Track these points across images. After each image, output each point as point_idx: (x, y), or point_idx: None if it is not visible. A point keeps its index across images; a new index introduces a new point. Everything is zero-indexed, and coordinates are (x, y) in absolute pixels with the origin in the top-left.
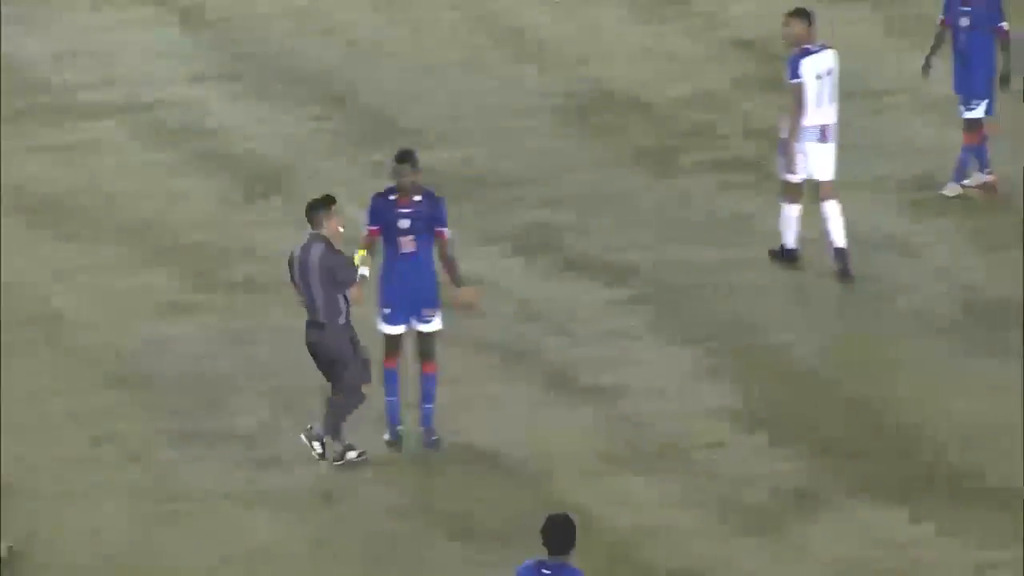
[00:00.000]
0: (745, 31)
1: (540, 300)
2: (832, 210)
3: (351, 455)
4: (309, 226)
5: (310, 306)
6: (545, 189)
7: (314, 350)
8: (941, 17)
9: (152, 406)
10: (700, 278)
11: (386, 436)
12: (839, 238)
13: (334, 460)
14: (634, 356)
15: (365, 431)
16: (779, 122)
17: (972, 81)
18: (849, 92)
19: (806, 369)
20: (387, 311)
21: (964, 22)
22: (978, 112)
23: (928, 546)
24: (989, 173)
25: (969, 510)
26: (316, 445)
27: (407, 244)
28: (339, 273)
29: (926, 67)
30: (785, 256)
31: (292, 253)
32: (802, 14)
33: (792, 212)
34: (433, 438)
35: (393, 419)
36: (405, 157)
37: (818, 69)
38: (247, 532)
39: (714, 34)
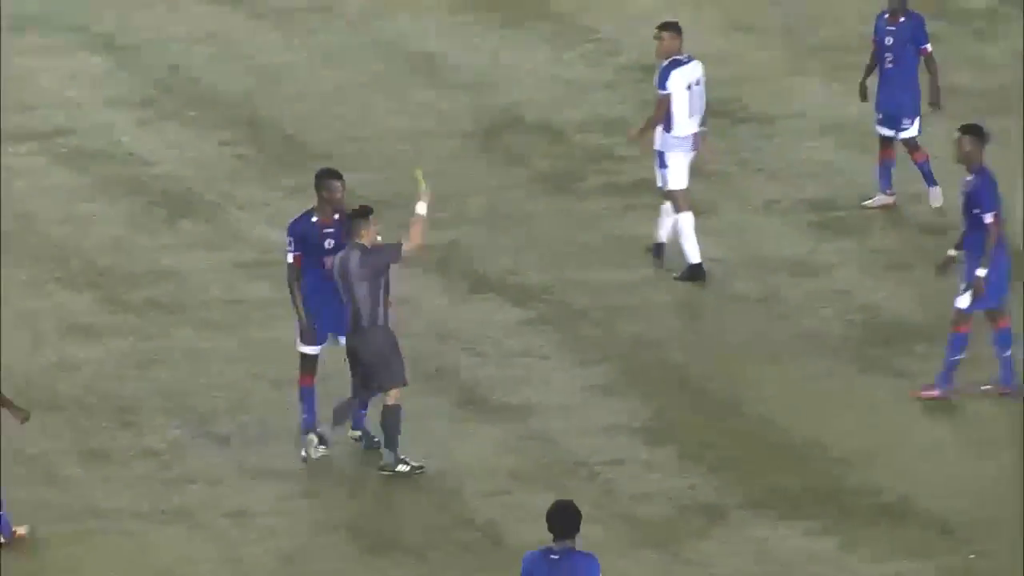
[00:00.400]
0: (645, 58)
1: (451, 320)
2: (669, 210)
3: (321, 449)
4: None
5: (353, 312)
6: (452, 211)
7: (355, 355)
8: (873, 37)
9: (62, 426)
10: (603, 299)
11: (303, 453)
12: (664, 235)
13: (382, 469)
14: (541, 375)
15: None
16: (654, 135)
17: (901, 101)
18: (745, 117)
19: (706, 387)
20: (313, 331)
21: (889, 41)
22: (912, 131)
23: (826, 561)
24: (891, 194)
25: (865, 526)
26: (401, 466)
27: (331, 263)
28: (386, 254)
29: (863, 89)
30: (693, 273)
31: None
32: (673, 27)
33: (687, 220)
34: (375, 439)
35: (307, 434)
36: (339, 174)
37: (688, 79)
38: (159, 550)
39: (615, 60)
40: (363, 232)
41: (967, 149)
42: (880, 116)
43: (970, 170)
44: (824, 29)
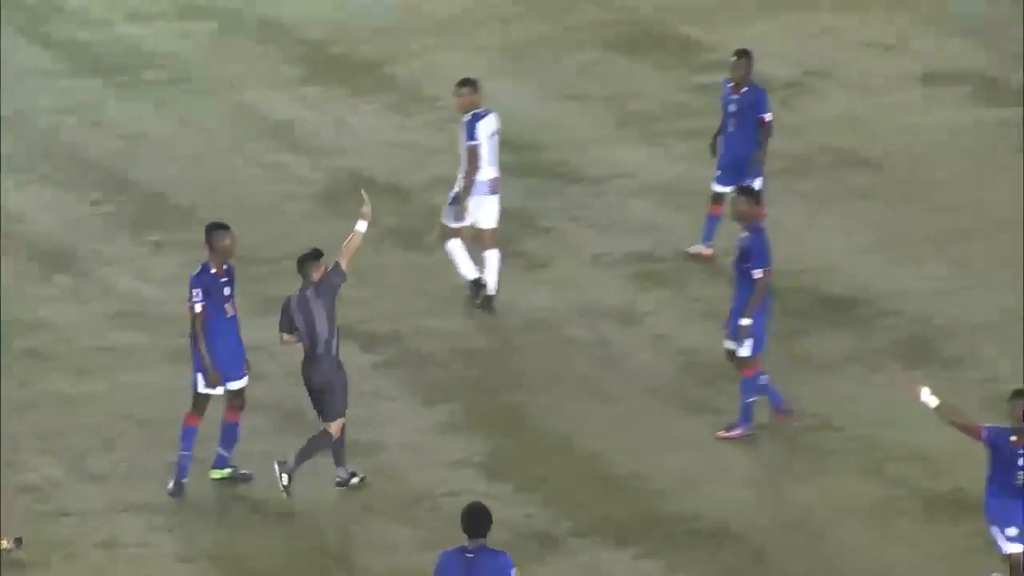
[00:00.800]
0: None
1: None
2: (492, 259)
3: (284, 479)
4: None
5: (311, 343)
6: None
7: (310, 384)
8: (721, 103)
9: None
10: (447, 344)
11: (170, 486)
12: (492, 286)
13: (282, 483)
14: (389, 415)
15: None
16: (459, 179)
17: (743, 162)
18: (577, 178)
19: (540, 425)
20: (217, 375)
21: (732, 108)
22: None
23: None
24: (710, 246)
25: (687, 549)
26: (284, 478)
27: (231, 309)
28: (334, 278)
29: (713, 147)
30: (476, 288)
31: (288, 302)
32: (472, 83)
33: (456, 245)
34: (242, 471)
35: (183, 473)
36: (227, 226)
37: (489, 130)
38: None
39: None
40: (313, 273)
41: (743, 208)
42: (719, 173)
43: (745, 228)
44: (637, 100)
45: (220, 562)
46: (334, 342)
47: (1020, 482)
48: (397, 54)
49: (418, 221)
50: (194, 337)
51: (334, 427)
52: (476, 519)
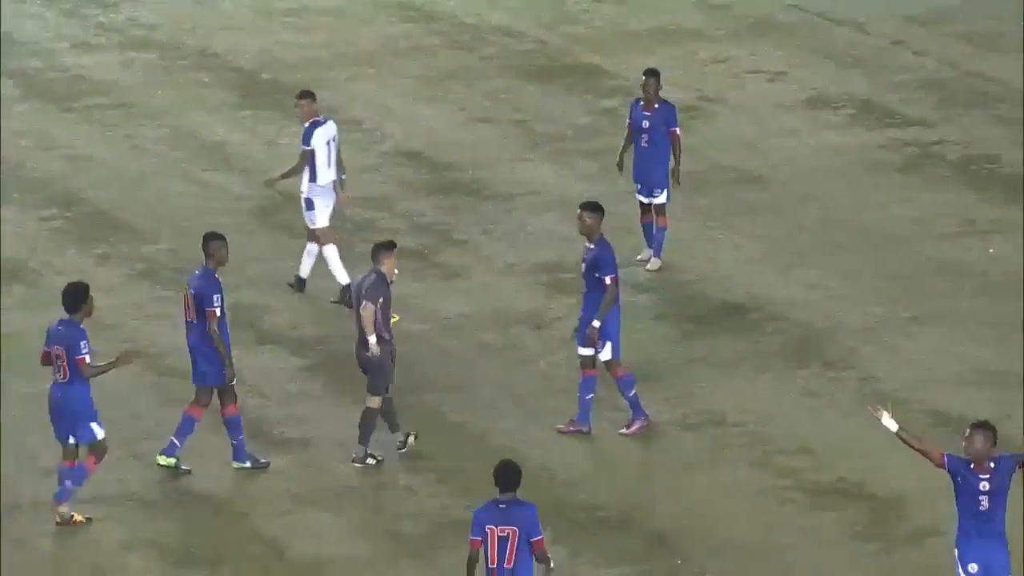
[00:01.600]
0: (403, 144)
1: (241, 368)
2: (313, 251)
3: (370, 461)
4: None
5: (359, 326)
6: (236, 276)
7: (357, 360)
8: (628, 121)
9: None
10: None
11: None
12: (305, 271)
13: (354, 461)
14: (316, 414)
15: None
16: (304, 181)
17: (654, 174)
18: (489, 195)
19: (457, 423)
20: (233, 370)
21: (646, 124)
22: (662, 198)
23: (557, 567)
24: (658, 256)
25: (590, 536)
26: (370, 459)
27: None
28: (367, 292)
29: (620, 163)
30: (344, 295)
31: (353, 282)
32: (310, 95)
33: (333, 251)
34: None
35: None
36: (223, 236)
37: (327, 136)
38: None
39: (378, 147)
40: (385, 260)
41: (588, 223)
42: (639, 186)
43: (590, 240)
44: (546, 123)
45: (163, 550)
46: (373, 328)
47: (984, 507)
48: (323, 80)
49: (342, 235)
50: (204, 337)
51: (374, 402)
52: (508, 474)
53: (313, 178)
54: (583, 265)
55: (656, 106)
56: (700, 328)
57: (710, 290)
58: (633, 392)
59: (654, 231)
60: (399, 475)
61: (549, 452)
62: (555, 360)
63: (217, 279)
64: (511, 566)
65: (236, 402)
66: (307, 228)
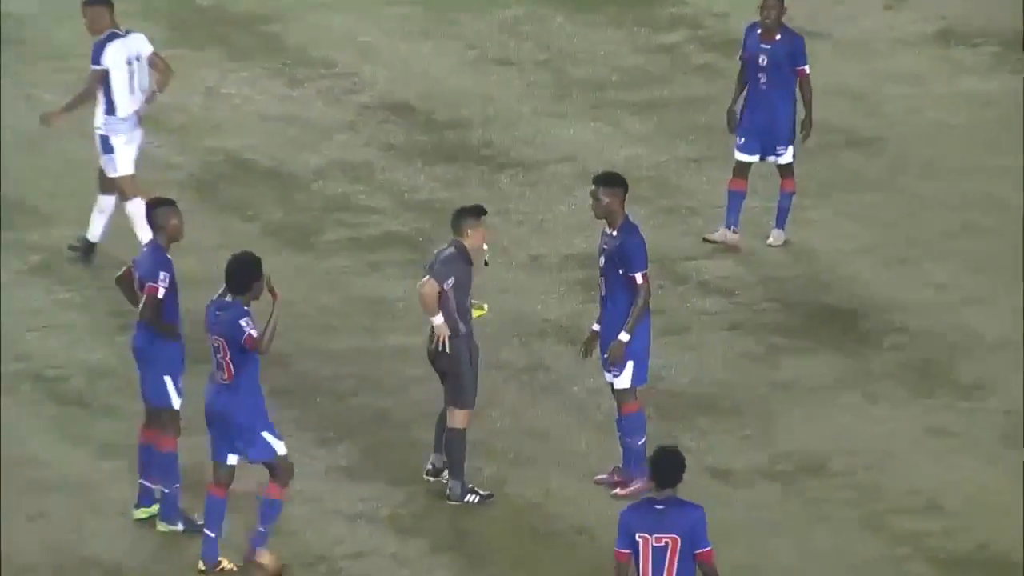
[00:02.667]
0: (390, 95)
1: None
2: (106, 207)
3: (471, 498)
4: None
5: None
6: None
7: (431, 362)
8: (741, 55)
9: None
10: (344, 369)
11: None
12: (97, 233)
13: (449, 498)
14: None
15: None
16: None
17: (776, 125)
18: (506, 163)
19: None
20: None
21: (763, 60)
22: (788, 156)
23: None
24: (736, 232)
25: None
26: (471, 497)
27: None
28: (436, 267)
29: (731, 117)
30: (84, 248)
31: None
32: (102, 2)
33: (138, 206)
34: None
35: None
36: (172, 200)
37: (128, 54)
38: None
39: (356, 98)
40: (468, 230)
41: (607, 203)
42: (743, 140)
43: (612, 225)
44: (581, 65)
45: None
46: (458, 321)
47: None
48: (282, 9)
49: (308, 216)
50: (148, 323)
51: (459, 418)
52: (667, 466)
53: (110, 109)
54: (601, 259)
55: (778, 37)
56: (791, 342)
57: (804, 291)
58: (642, 442)
59: (780, 198)
60: (385, 540)
61: (585, 510)
62: (593, 385)
63: (168, 257)
64: None
65: (177, 435)
66: (100, 176)
